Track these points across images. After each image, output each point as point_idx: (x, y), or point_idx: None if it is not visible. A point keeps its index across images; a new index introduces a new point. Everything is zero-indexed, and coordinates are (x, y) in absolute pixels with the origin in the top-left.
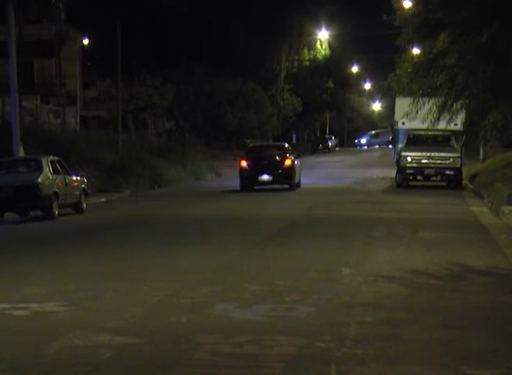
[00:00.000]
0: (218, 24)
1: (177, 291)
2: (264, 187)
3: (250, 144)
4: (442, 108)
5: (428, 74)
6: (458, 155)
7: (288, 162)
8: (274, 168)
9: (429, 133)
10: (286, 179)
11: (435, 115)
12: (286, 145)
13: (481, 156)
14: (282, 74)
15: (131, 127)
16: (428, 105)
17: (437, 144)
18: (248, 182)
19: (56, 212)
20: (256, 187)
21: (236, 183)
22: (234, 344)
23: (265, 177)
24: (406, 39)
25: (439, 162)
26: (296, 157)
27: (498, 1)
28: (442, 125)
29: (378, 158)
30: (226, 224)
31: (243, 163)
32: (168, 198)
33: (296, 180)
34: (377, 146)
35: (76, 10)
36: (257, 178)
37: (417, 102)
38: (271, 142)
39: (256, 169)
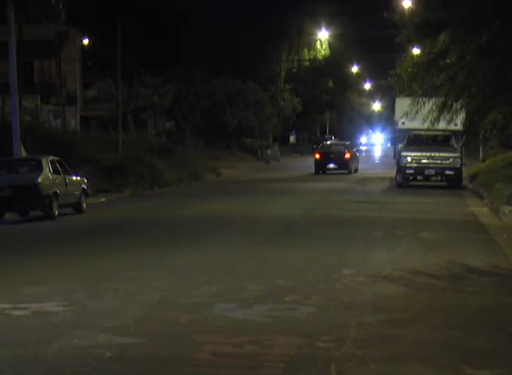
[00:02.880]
0: (218, 24)
1: (177, 291)
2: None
3: (322, 143)
4: (442, 108)
5: (428, 74)
6: (458, 155)
7: (347, 155)
8: (337, 159)
9: (429, 133)
10: (345, 166)
11: (435, 115)
12: (347, 143)
13: (481, 156)
14: (282, 74)
15: (131, 127)
16: (428, 105)
17: (437, 144)
18: (320, 168)
19: (56, 212)
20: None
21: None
22: (234, 344)
23: (331, 165)
24: (406, 38)
25: (438, 162)
26: (356, 151)
27: (498, 1)
28: (442, 125)
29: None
30: (226, 224)
31: (317, 155)
32: (169, 198)
33: (354, 168)
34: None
35: (76, 10)
36: (326, 166)
37: (418, 102)
38: (337, 141)
39: (325, 159)
